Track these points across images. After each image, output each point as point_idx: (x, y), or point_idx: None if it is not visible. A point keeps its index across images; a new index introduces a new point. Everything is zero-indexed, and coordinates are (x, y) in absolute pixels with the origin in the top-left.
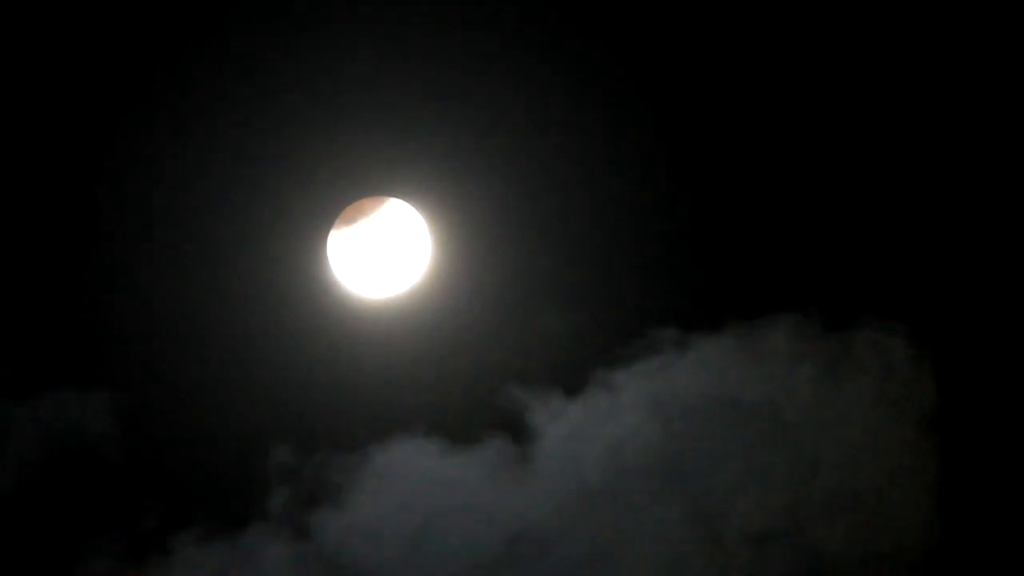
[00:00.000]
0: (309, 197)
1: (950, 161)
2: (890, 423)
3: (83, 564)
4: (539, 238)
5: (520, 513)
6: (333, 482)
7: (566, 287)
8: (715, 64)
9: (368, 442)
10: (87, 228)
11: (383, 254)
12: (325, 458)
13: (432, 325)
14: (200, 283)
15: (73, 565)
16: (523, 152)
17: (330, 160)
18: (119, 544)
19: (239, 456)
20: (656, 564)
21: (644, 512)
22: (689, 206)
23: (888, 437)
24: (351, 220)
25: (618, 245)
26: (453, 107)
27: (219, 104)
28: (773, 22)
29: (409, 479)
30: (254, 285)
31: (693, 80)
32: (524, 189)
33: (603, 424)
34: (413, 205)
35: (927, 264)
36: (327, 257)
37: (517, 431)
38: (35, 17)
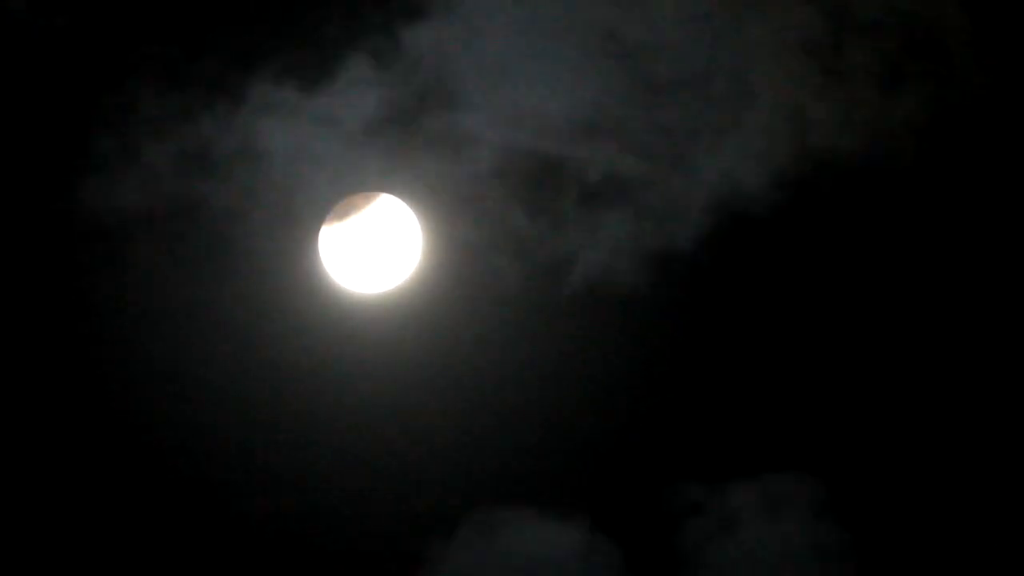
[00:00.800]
0: (302, 193)
1: None
2: None
3: (141, 100)
4: None
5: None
6: None
7: None
8: None
9: None
10: None
11: (375, 249)
12: None
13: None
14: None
15: (127, 98)
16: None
17: (324, 157)
18: (180, 87)
19: None
20: (773, 93)
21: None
22: None
23: None
24: (343, 216)
25: None
26: (447, 103)
27: (212, 100)
28: None
29: None
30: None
31: None
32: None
33: None
34: (405, 201)
35: None
36: (319, 253)
37: None
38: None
